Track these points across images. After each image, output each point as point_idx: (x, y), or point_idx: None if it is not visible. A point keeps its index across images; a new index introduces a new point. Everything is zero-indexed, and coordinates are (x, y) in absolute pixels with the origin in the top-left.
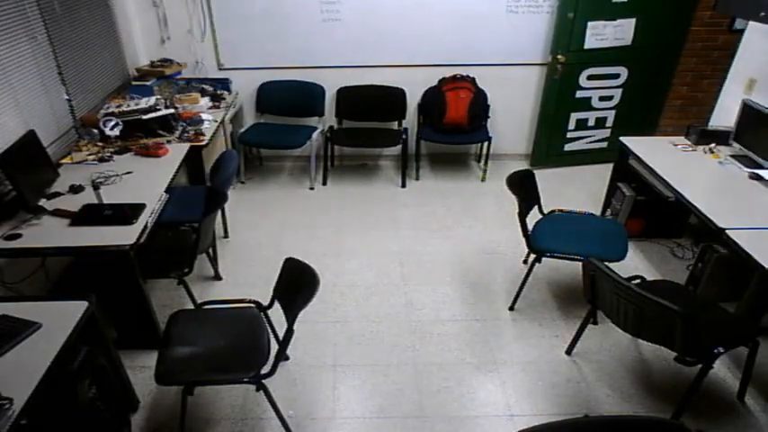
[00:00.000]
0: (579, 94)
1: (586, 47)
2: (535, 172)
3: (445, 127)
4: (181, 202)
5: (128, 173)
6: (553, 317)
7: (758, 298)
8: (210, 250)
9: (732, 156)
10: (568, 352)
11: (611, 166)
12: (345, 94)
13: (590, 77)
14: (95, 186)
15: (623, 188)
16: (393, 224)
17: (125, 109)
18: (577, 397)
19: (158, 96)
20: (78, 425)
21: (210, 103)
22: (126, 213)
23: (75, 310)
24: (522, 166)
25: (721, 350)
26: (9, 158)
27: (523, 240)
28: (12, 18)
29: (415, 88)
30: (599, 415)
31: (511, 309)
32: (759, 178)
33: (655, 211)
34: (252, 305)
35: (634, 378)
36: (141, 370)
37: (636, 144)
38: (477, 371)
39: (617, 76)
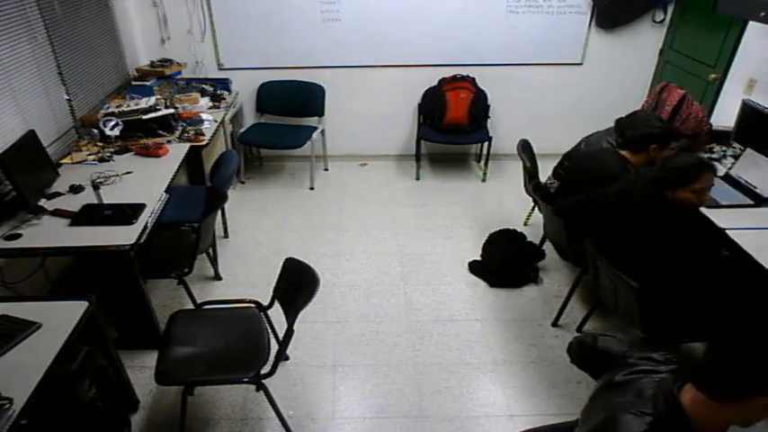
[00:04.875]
0: None
1: None
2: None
3: (445, 127)
4: (181, 202)
5: (128, 173)
6: (553, 317)
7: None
8: (210, 250)
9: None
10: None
11: None
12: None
13: None
14: (95, 186)
15: None
16: (393, 224)
17: (125, 109)
18: (577, 397)
19: (158, 96)
20: (78, 425)
21: (210, 103)
22: (126, 213)
23: (75, 310)
24: None
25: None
26: (9, 158)
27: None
28: (12, 18)
29: (415, 88)
30: None
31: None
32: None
33: None
34: (252, 305)
35: None
36: (141, 370)
37: None
38: (477, 371)
39: None
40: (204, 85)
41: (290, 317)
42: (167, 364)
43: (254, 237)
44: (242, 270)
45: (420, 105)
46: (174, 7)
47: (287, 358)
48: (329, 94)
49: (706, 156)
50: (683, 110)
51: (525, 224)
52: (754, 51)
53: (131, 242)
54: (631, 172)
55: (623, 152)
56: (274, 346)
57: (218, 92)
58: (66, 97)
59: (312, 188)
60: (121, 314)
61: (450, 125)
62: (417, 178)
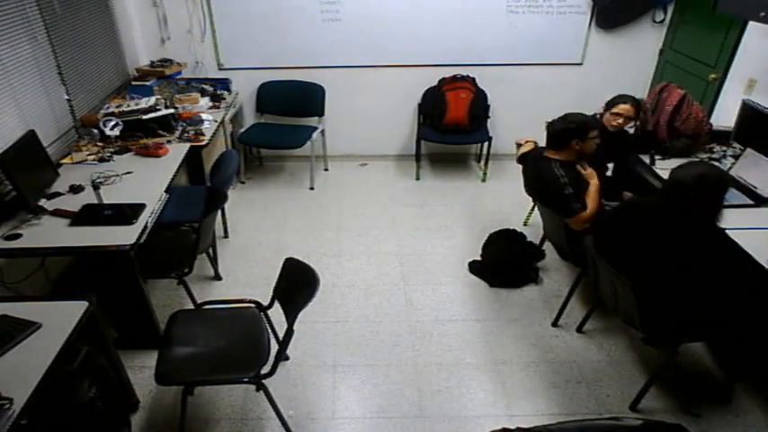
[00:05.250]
0: None
1: None
2: None
3: (445, 127)
4: (181, 202)
5: (128, 173)
6: (553, 317)
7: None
8: (210, 250)
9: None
10: (568, 352)
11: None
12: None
13: None
14: (95, 186)
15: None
16: (393, 224)
17: (125, 109)
18: (577, 397)
19: (158, 96)
20: (78, 425)
21: (210, 103)
22: (126, 213)
23: (75, 310)
24: None
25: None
26: (9, 158)
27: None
28: (12, 18)
29: (415, 88)
30: (599, 418)
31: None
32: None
33: None
34: (252, 305)
35: (634, 379)
36: (141, 370)
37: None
38: (477, 371)
39: None
40: (204, 85)
41: (290, 317)
42: (167, 364)
43: (254, 237)
44: (242, 270)
45: (420, 105)
46: (174, 7)
47: (287, 358)
48: (329, 94)
49: (706, 156)
50: (683, 110)
51: (525, 224)
52: (754, 51)
53: (131, 242)
54: (555, 168)
55: (548, 153)
56: (274, 346)
57: (218, 92)
58: (66, 97)
59: (312, 188)
60: (121, 314)
61: (450, 125)
62: (417, 178)
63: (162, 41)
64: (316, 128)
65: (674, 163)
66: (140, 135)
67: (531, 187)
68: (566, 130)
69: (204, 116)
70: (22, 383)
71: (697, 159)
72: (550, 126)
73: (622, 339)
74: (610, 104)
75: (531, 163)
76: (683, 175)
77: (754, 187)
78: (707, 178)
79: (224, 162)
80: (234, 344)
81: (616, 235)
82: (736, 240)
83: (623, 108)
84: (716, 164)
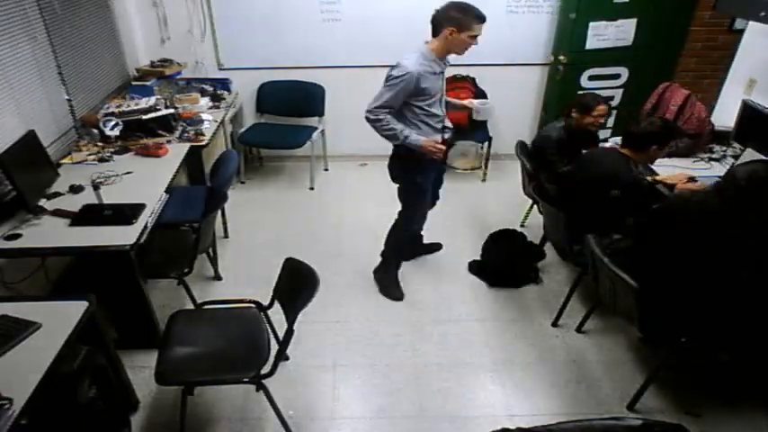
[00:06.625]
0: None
1: (588, 47)
2: None
3: None
4: (181, 202)
5: (128, 173)
6: (553, 317)
7: None
8: (210, 250)
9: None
10: (568, 352)
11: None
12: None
13: (591, 78)
14: (95, 186)
15: None
16: None
17: (125, 109)
18: (577, 397)
19: (158, 96)
20: (78, 425)
21: (210, 103)
22: (126, 213)
23: (75, 310)
24: None
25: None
26: (9, 158)
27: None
28: (12, 18)
29: None
30: (599, 418)
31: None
32: None
33: None
34: (252, 305)
35: (634, 379)
36: (141, 370)
37: None
38: (477, 371)
39: (618, 76)
40: (204, 85)
41: (290, 317)
42: (167, 364)
43: (254, 237)
44: (242, 270)
45: None
46: (174, 7)
47: (287, 358)
48: (329, 94)
49: (706, 156)
50: (686, 109)
51: (522, 225)
52: (754, 51)
53: (131, 242)
54: (633, 168)
55: (624, 150)
56: (274, 346)
57: (218, 92)
58: (67, 97)
59: (312, 188)
60: (121, 314)
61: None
62: None
63: (162, 41)
64: (316, 128)
65: (676, 163)
66: (140, 135)
67: (586, 178)
68: (652, 133)
69: (204, 116)
70: (22, 383)
71: (765, 159)
72: (636, 126)
73: (622, 339)
74: (587, 108)
75: (595, 156)
76: (737, 170)
77: None
78: (758, 175)
79: (224, 162)
80: (234, 344)
81: (659, 233)
82: None
83: (601, 109)
84: (715, 164)
